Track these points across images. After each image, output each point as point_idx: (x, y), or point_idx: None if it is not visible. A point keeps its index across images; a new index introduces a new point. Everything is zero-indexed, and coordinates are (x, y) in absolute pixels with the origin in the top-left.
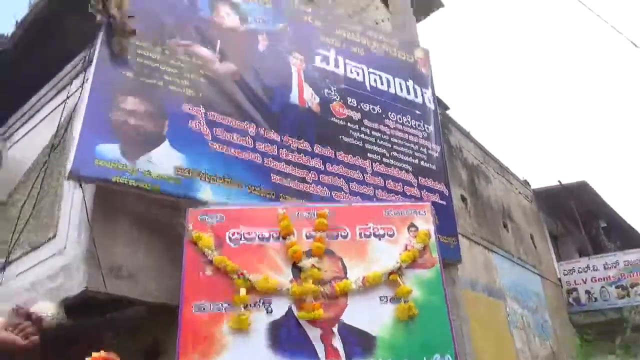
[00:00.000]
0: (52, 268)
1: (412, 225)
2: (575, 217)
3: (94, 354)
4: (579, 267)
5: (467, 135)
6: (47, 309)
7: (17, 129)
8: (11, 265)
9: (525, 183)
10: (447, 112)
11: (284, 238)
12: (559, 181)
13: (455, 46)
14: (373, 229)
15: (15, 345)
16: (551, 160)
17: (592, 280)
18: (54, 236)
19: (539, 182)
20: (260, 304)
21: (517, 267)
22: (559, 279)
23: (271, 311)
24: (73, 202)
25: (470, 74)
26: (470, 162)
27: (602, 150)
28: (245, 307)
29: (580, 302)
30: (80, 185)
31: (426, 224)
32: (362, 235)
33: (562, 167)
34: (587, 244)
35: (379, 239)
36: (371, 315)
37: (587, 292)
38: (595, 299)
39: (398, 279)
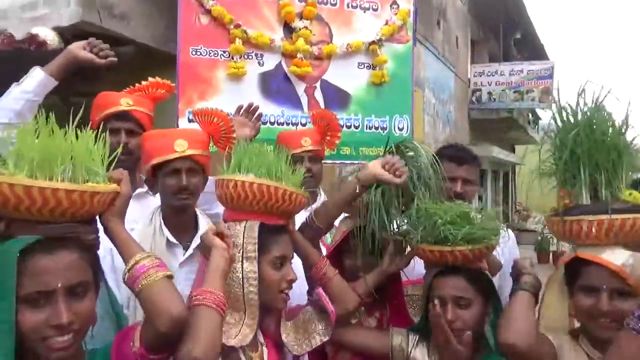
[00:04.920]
0: None
1: (395, 2)
2: (497, 23)
3: (150, 79)
4: (489, 71)
5: None
6: (45, 33)
7: None
8: None
9: None
10: None
11: None
12: None
13: None
14: (360, 1)
15: (93, 63)
16: None
17: (496, 83)
18: None
19: None
20: (254, 56)
21: (439, 63)
22: (469, 79)
23: (263, 64)
24: None
25: None
26: None
27: None
28: (240, 57)
29: (482, 100)
30: None
31: (407, 3)
32: (350, 5)
33: None
34: (499, 51)
35: (364, 12)
36: (349, 77)
37: (489, 93)
38: (494, 99)
39: (377, 49)
